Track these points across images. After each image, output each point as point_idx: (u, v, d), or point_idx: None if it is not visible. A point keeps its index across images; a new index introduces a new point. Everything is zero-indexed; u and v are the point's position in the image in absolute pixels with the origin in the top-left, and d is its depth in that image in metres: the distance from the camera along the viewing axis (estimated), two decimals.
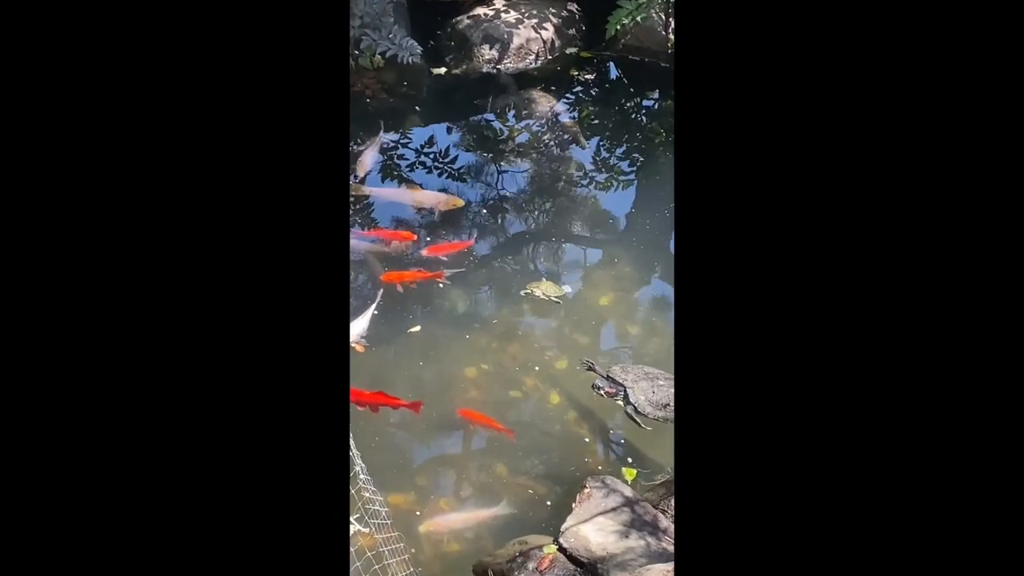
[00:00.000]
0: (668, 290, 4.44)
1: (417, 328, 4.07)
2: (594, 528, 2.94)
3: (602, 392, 3.61)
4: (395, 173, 4.98)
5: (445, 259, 4.37)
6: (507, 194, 5.01)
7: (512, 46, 5.61)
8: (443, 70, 5.60)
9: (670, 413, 3.53)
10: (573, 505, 3.09)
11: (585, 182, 5.07)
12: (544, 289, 4.24)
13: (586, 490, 3.11)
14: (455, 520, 3.37)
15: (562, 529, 2.97)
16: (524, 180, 5.12)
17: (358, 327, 3.90)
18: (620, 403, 3.61)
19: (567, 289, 4.28)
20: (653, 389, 3.57)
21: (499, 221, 4.85)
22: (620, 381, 3.61)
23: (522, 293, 4.26)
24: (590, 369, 3.70)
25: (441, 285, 4.24)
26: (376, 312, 4.00)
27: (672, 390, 3.55)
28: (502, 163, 5.13)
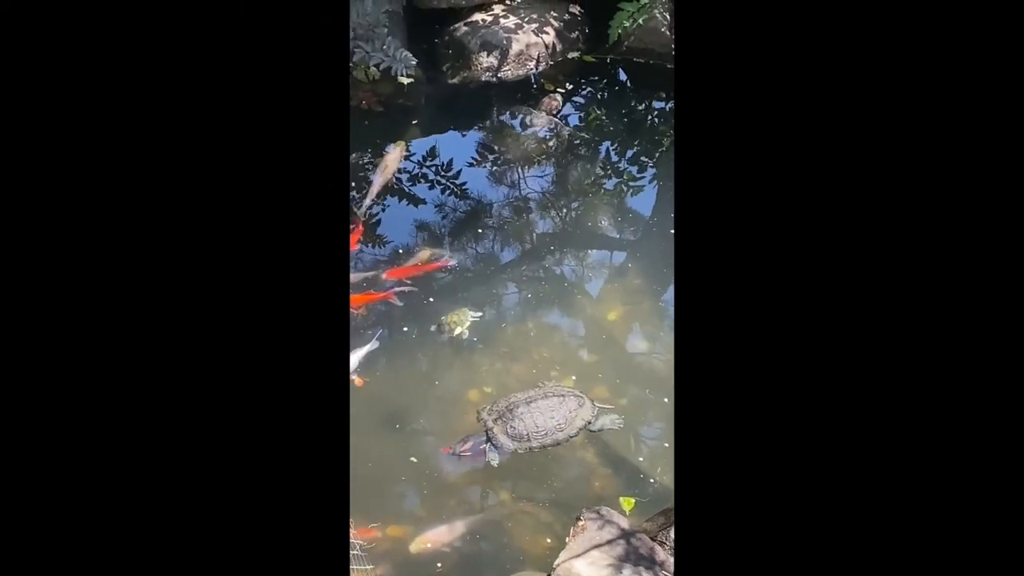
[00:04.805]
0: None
1: (459, 331, 3.94)
2: (587, 563, 2.77)
3: (459, 454, 3.44)
4: (396, 188, 4.83)
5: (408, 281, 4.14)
6: (516, 204, 4.86)
7: (511, 52, 5.43)
8: (409, 80, 5.31)
9: (534, 440, 3.40)
10: (567, 539, 2.93)
11: (593, 190, 4.91)
12: (455, 320, 3.98)
13: (580, 522, 2.95)
14: (443, 533, 3.23)
15: (554, 565, 2.81)
16: (538, 186, 4.96)
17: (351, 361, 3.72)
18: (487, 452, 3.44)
19: (475, 315, 4.03)
20: (515, 421, 3.40)
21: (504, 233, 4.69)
22: (484, 425, 3.45)
23: (432, 328, 4.00)
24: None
25: (400, 303, 4.04)
26: (375, 348, 3.82)
27: (541, 413, 3.43)
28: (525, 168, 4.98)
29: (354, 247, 4.25)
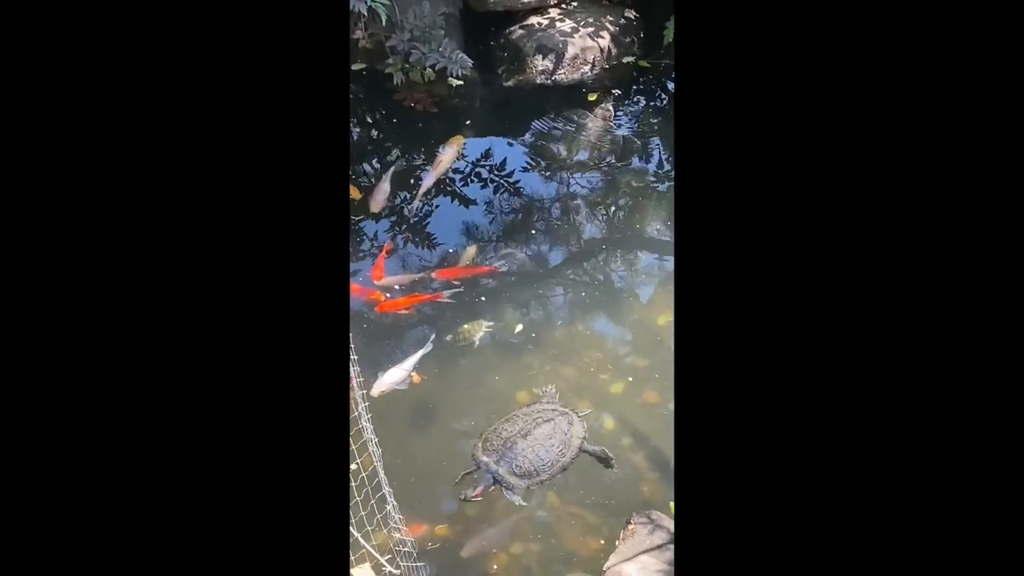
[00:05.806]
0: None
1: (520, 328, 4.04)
2: (637, 567, 2.79)
3: (472, 498, 3.33)
4: (449, 188, 4.87)
5: (458, 283, 4.22)
6: (565, 206, 4.87)
7: (567, 56, 5.44)
8: (459, 82, 5.31)
9: (543, 474, 3.35)
10: (617, 542, 2.94)
11: (645, 194, 4.92)
12: (469, 330, 4.01)
13: (630, 526, 2.97)
14: (493, 535, 3.26)
15: (604, 568, 2.82)
16: (589, 189, 4.98)
17: (405, 368, 3.79)
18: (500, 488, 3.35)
19: (489, 325, 4.05)
20: (519, 460, 3.33)
21: (555, 234, 4.71)
22: (487, 468, 3.35)
23: (448, 338, 4.03)
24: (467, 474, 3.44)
25: (452, 301, 4.13)
26: (429, 350, 3.89)
27: (541, 444, 3.38)
28: (570, 175, 5.00)
29: (381, 274, 4.26)
